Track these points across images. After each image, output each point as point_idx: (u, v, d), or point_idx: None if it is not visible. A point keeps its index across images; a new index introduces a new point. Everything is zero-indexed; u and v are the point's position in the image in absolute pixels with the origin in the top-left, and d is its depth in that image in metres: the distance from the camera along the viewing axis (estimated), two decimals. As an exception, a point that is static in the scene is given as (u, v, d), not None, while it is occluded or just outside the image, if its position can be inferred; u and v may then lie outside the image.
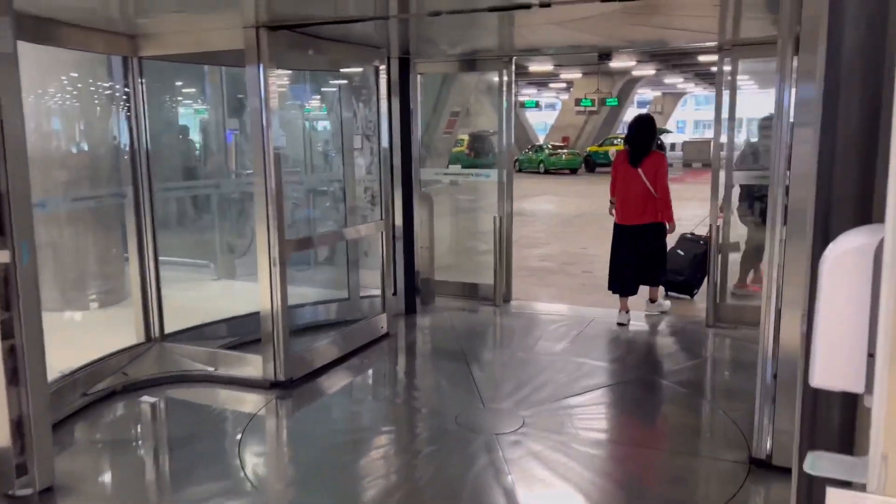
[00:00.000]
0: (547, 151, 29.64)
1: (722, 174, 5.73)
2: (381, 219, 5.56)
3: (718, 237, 5.73)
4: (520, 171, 29.50)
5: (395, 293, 6.27)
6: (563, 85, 39.88)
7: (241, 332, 5.32)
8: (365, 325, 5.51)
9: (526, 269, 8.42)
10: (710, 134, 53.15)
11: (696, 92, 50.75)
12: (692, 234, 7.27)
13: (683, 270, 6.70)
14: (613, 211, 6.08)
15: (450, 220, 8.59)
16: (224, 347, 5.16)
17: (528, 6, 3.59)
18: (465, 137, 26.01)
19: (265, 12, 4.13)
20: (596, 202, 16.75)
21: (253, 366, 4.67)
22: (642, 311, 6.22)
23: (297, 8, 4.10)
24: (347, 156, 5.94)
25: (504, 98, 6.51)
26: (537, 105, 38.42)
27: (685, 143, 37.60)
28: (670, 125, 45.55)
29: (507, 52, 6.34)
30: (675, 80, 37.74)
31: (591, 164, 30.16)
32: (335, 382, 4.74)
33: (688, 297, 6.74)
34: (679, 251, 6.77)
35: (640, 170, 5.73)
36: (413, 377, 5.01)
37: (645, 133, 5.92)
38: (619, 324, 5.88)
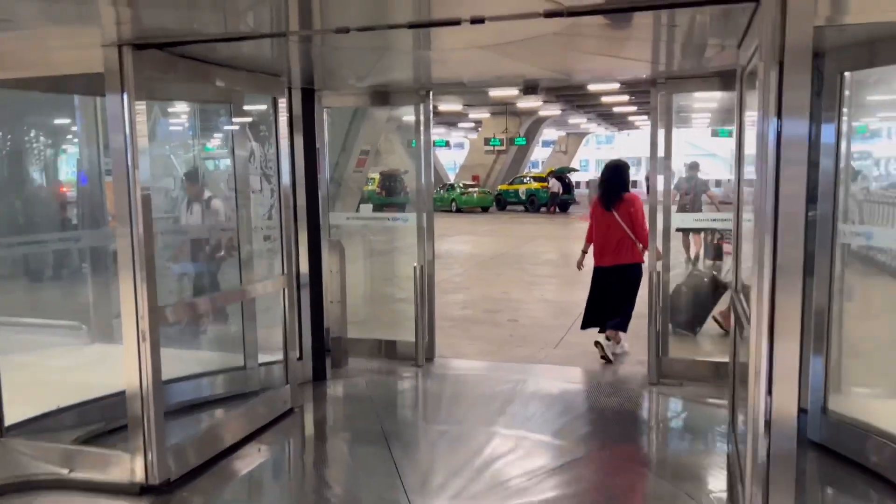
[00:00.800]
0: (459, 190, 29.46)
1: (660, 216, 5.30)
2: (283, 273, 4.75)
3: (659, 282, 5.26)
4: (432, 209, 29.10)
5: (300, 357, 5.42)
6: (472, 125, 40.25)
7: (115, 415, 4.30)
8: (264, 400, 4.62)
9: (448, 318, 7.73)
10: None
11: (598, 132, 52.70)
12: (699, 270, 7.03)
13: (688, 308, 6.50)
14: (582, 261, 6.52)
15: (363, 265, 7.81)
16: (88, 438, 4.17)
17: (456, 22, 2.97)
18: (376, 176, 25.56)
19: (130, 27, 3.32)
20: (511, 242, 16.41)
21: (119, 465, 3.70)
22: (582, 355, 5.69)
23: (171, 21, 3.31)
24: (243, 199, 5.10)
25: (422, 135, 5.88)
26: (447, 144, 38.41)
27: (591, 181, 38.47)
28: (574, 164, 46.76)
29: (424, 85, 5.75)
30: (578, 121, 38.87)
31: (503, 202, 30.23)
32: (225, 483, 3.83)
33: (690, 333, 6.47)
34: (684, 287, 6.56)
35: (615, 213, 5.87)
36: (323, 468, 4.15)
37: (615, 178, 6.07)
38: (603, 357, 5.88)
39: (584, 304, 8.58)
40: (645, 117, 41.00)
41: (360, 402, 5.05)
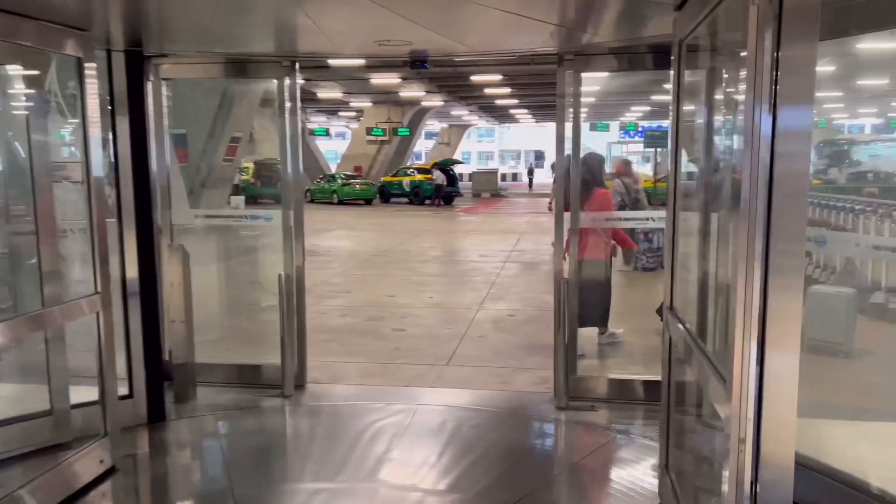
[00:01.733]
0: (340, 181, 28.19)
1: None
2: (96, 291, 3.59)
3: (566, 289, 4.54)
4: (312, 201, 27.75)
5: (130, 395, 4.27)
6: (353, 114, 38.89)
7: None
8: (71, 464, 3.46)
9: (324, 329, 6.74)
10: (492, 165, 55.38)
11: (480, 124, 52.90)
12: None
13: None
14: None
15: (219, 272, 6.65)
16: None
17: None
18: (250, 166, 23.86)
19: None
20: (396, 237, 15.52)
21: None
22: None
23: None
24: (43, 193, 3.85)
25: (287, 116, 4.85)
26: (327, 133, 36.91)
27: (474, 174, 38.36)
28: (457, 156, 46.56)
29: (288, 53, 4.72)
30: (461, 112, 38.60)
31: (386, 194, 29.27)
32: None
33: None
34: None
35: (594, 204, 5.40)
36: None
37: (586, 171, 5.49)
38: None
39: (475, 308, 7.90)
40: (525, 111, 41.39)
41: (208, 451, 4.00)
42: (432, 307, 8.03)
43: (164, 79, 4.83)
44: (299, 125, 4.90)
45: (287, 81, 4.80)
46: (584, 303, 5.64)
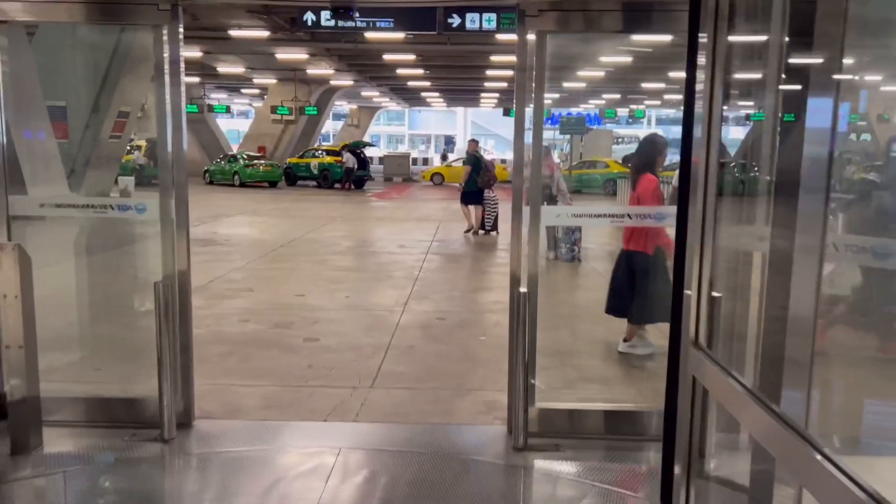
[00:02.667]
0: (243, 162, 26.31)
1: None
2: None
3: (525, 303, 3.69)
4: (211, 182, 25.80)
5: (-64, 455, 3.08)
6: (257, 91, 36.65)
7: None
8: None
9: (221, 339, 5.63)
10: (403, 149, 54.22)
11: (391, 107, 51.59)
12: None
13: None
14: None
15: (80, 276, 5.38)
16: None
17: None
18: (143, 143, 21.81)
19: None
20: (305, 224, 14.27)
21: None
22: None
23: None
24: None
25: (167, 76, 3.73)
26: (228, 110, 34.62)
27: (385, 157, 37.15)
28: (366, 139, 45.11)
29: (167, -7, 3.60)
30: (371, 94, 37.23)
31: (293, 176, 27.63)
32: None
33: None
34: None
35: (636, 193, 5.17)
36: None
37: (641, 153, 5.48)
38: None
39: (399, 309, 6.97)
40: (437, 94, 40.45)
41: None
42: (349, 309, 7.03)
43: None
44: (183, 90, 3.78)
45: (166, 30, 3.67)
46: (652, 298, 5.09)
